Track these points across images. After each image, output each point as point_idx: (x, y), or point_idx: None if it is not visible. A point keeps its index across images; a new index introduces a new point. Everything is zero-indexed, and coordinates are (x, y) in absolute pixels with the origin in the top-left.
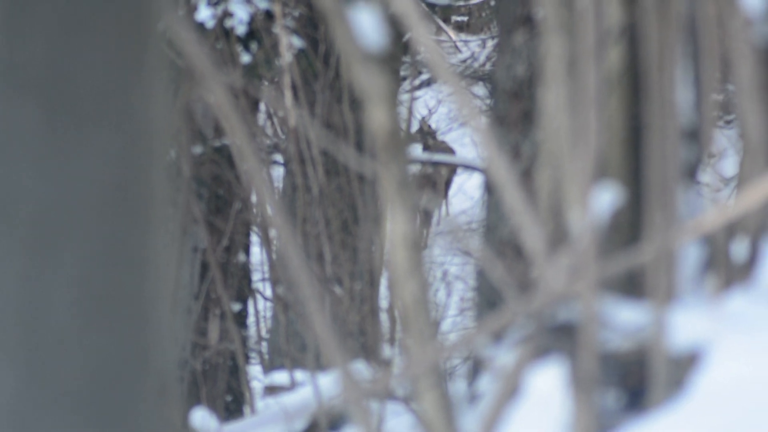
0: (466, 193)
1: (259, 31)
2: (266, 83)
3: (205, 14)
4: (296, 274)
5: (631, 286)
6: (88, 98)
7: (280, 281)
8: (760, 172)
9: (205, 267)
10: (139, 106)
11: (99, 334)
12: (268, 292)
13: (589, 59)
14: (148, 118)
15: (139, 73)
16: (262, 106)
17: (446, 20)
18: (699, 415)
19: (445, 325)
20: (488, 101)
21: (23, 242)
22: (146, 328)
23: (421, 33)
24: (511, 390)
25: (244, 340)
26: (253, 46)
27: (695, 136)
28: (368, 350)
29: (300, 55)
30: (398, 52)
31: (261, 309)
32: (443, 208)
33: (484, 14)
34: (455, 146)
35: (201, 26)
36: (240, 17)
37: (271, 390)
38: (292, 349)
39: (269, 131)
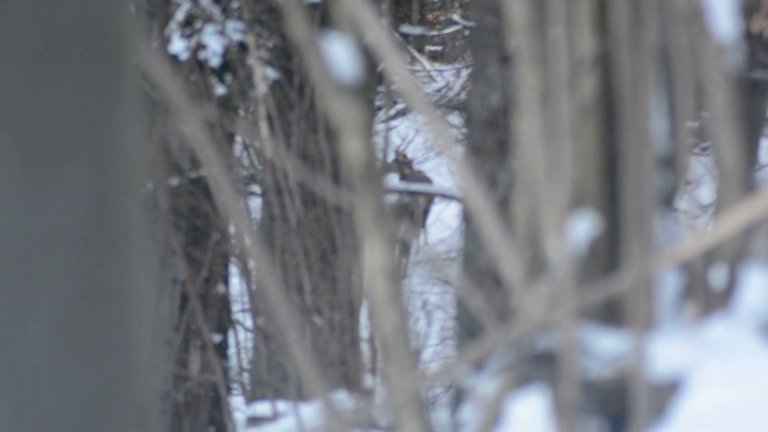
0: (443, 222)
1: (233, 62)
2: (241, 114)
3: (178, 46)
4: (276, 304)
5: (610, 314)
6: (62, 132)
7: (260, 312)
8: (736, 198)
9: (184, 298)
10: (114, 138)
11: (78, 368)
12: (249, 323)
13: (562, 89)
14: (123, 151)
15: (113, 105)
16: (238, 138)
17: (420, 50)
18: None
19: (426, 354)
20: (463, 130)
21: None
22: (126, 361)
23: (395, 63)
24: (492, 419)
25: (226, 371)
26: (228, 77)
27: (671, 163)
28: (349, 380)
29: (275, 86)
30: (373, 82)
31: (242, 340)
32: (421, 237)
33: (457, 44)
34: (432, 175)
35: (175, 58)
36: (214, 49)
37: (254, 421)
38: (273, 380)
39: (246, 162)
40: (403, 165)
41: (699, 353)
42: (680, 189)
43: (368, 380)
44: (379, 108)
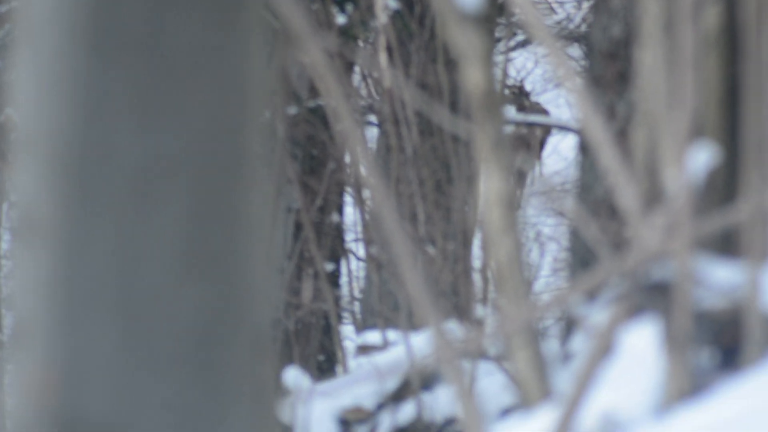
0: (560, 154)
1: None
2: (361, 45)
3: None
4: (390, 233)
5: (726, 244)
6: (185, 55)
7: (373, 241)
8: None
9: (298, 227)
10: (235, 64)
11: (195, 289)
12: (361, 253)
13: (686, 19)
14: (244, 77)
15: (235, 30)
16: (357, 68)
17: None
18: None
19: (538, 285)
20: (583, 62)
21: (120, 200)
22: (242, 285)
23: None
24: (604, 349)
25: (337, 300)
26: (349, 7)
27: None
28: (461, 310)
29: (395, 16)
30: (493, 13)
31: (354, 269)
32: (537, 169)
33: None
34: (549, 107)
35: None
36: None
37: (364, 350)
38: (384, 309)
39: (363, 92)
40: (521, 96)
41: None
42: None
43: (479, 310)
44: (499, 39)
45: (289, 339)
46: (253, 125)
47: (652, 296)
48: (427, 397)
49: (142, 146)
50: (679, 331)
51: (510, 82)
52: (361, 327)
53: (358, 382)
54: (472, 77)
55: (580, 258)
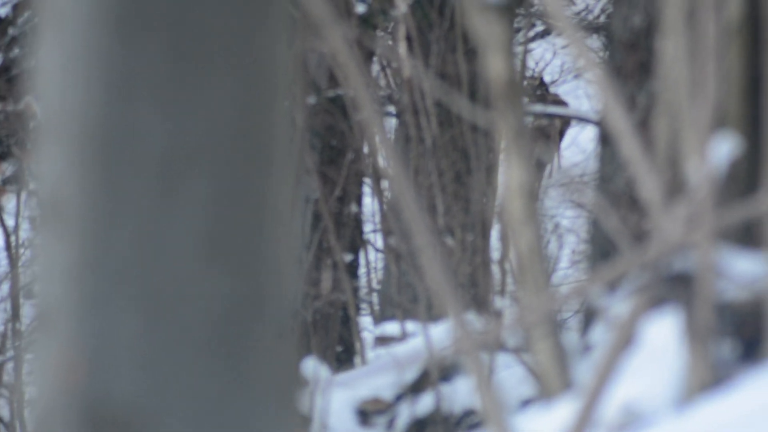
0: (579, 145)
1: None
2: (381, 34)
3: None
4: (410, 220)
5: (748, 236)
6: (212, 41)
7: (391, 232)
8: None
9: (317, 217)
10: (261, 49)
11: (221, 274)
12: (380, 244)
13: (708, 8)
14: (270, 62)
15: (261, 15)
16: (376, 58)
17: None
18: None
19: (557, 278)
20: (603, 54)
21: (147, 182)
22: (266, 270)
23: None
24: (625, 340)
25: (356, 291)
26: None
27: None
28: (479, 302)
29: (415, 5)
30: (513, 4)
31: (372, 260)
32: (556, 160)
33: None
34: (568, 99)
35: None
36: None
37: (382, 341)
38: (403, 300)
39: (382, 83)
40: (540, 88)
41: None
42: None
43: (498, 302)
44: (518, 30)
45: (307, 330)
46: (278, 111)
47: (674, 287)
48: (445, 389)
49: (166, 131)
50: (701, 323)
51: (529, 73)
52: (380, 318)
53: (377, 373)
54: (493, 66)
55: (600, 250)
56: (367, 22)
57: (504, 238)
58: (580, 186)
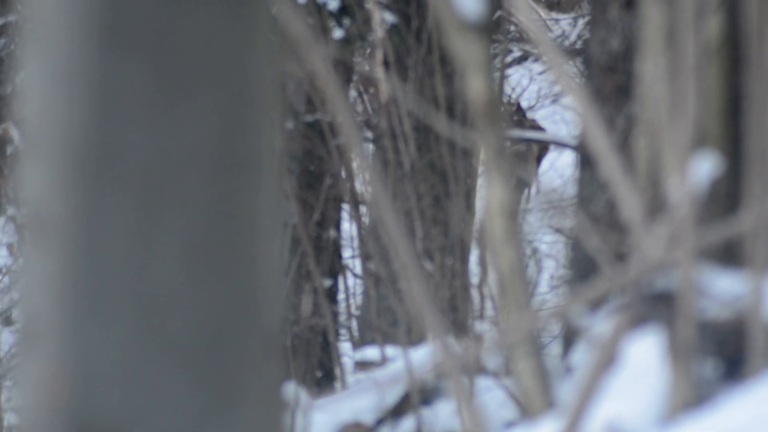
0: (557, 170)
1: (351, 6)
2: (359, 59)
3: None
4: (391, 243)
5: (729, 255)
6: (195, 56)
7: (370, 256)
8: None
9: (295, 242)
10: (247, 61)
11: (206, 288)
12: (358, 269)
13: (688, 28)
14: (256, 74)
15: (247, 33)
16: (353, 84)
17: None
18: None
19: (536, 302)
20: (580, 79)
21: (132, 198)
22: (254, 283)
23: (518, 6)
24: (607, 359)
25: (335, 316)
26: (346, 21)
27: None
28: (459, 326)
29: (392, 30)
30: (490, 28)
31: (351, 285)
32: (534, 185)
33: None
34: (546, 124)
35: (293, 1)
36: None
37: (362, 365)
38: (382, 324)
39: (360, 108)
40: (517, 113)
41: None
42: None
43: (477, 326)
44: (495, 56)
45: (287, 355)
46: (261, 127)
47: (656, 306)
48: (426, 412)
49: (151, 147)
50: (683, 342)
51: (506, 99)
52: (359, 343)
53: (358, 397)
54: (473, 86)
55: (580, 272)
56: (345, 47)
57: (483, 262)
58: (558, 210)
